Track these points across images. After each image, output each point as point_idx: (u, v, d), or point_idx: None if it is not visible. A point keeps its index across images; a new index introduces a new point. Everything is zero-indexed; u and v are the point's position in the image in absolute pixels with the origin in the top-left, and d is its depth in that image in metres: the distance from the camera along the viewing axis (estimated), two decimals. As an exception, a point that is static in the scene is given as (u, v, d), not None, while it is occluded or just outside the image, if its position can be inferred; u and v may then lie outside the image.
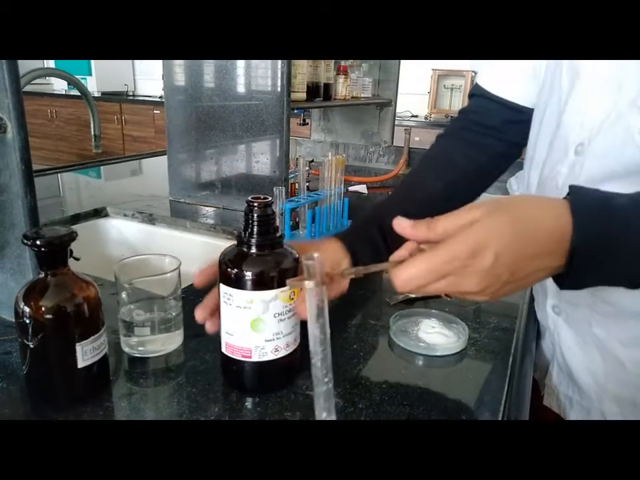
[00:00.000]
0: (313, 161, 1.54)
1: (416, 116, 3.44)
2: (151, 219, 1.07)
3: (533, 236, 0.38)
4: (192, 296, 0.69)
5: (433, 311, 0.66)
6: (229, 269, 0.47)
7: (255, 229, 0.47)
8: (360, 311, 0.68)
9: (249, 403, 0.48)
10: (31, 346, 0.44)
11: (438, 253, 0.37)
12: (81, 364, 0.45)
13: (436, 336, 0.61)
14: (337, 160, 0.90)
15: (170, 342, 0.55)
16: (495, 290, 0.39)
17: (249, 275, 0.46)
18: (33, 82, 0.82)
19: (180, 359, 0.55)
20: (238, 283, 0.46)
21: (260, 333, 0.47)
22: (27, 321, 0.43)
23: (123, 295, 0.53)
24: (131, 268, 0.55)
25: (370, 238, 0.58)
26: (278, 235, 0.48)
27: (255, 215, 0.47)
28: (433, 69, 3.34)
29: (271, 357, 0.48)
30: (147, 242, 1.05)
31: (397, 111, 1.75)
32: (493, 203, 0.39)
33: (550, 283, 0.61)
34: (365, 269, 0.42)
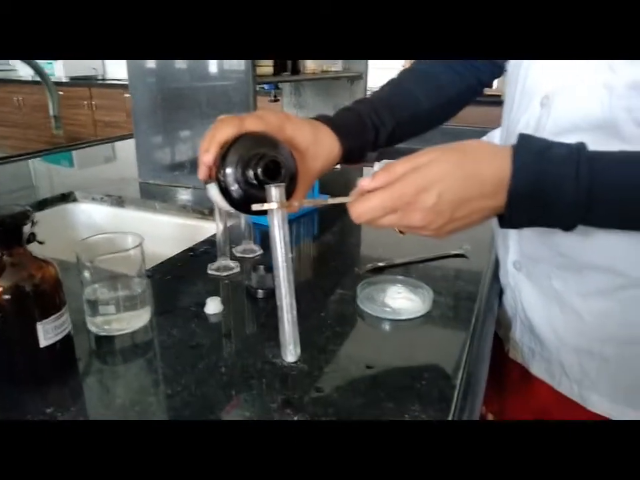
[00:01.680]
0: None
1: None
2: (119, 202, 1.05)
3: (475, 179, 0.42)
4: (159, 274, 0.69)
5: (399, 277, 0.67)
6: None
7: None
8: (330, 282, 0.69)
9: (216, 372, 0.49)
10: (-10, 327, 0.43)
11: (389, 190, 0.42)
12: (42, 343, 0.45)
13: (401, 301, 0.62)
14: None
15: (136, 320, 0.56)
16: (439, 226, 0.43)
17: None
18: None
19: (147, 335, 0.56)
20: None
21: None
22: (-16, 302, 0.43)
23: (86, 273, 0.53)
24: (93, 247, 0.55)
25: (364, 141, 0.60)
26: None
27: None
28: (406, 42, 3.31)
29: None
30: (116, 225, 1.04)
31: (372, 84, 1.74)
32: (444, 147, 0.44)
33: (512, 240, 0.63)
34: (324, 201, 0.47)
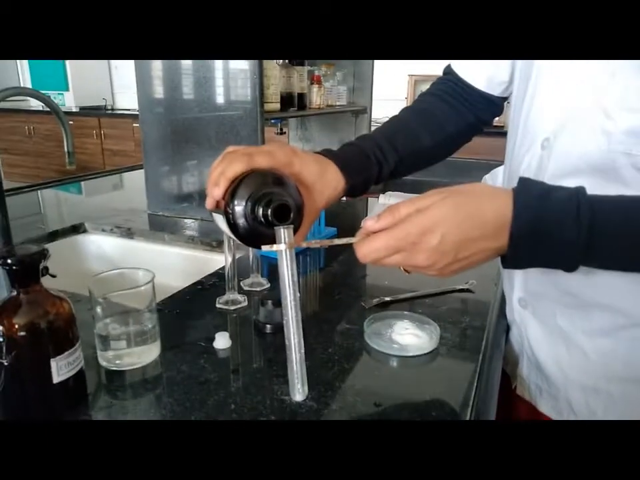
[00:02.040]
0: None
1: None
2: (129, 233, 1.07)
3: (477, 220, 0.43)
4: (168, 309, 0.70)
5: (406, 312, 0.67)
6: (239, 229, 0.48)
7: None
8: (336, 315, 0.70)
9: (225, 409, 0.49)
10: (5, 364, 0.44)
11: (394, 231, 0.44)
12: (56, 379, 0.46)
13: (409, 337, 0.62)
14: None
15: (146, 354, 0.56)
16: (443, 266, 0.45)
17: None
18: (8, 99, 0.83)
19: (157, 370, 0.56)
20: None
21: None
22: (0, 339, 0.44)
23: (98, 309, 0.54)
24: (105, 282, 0.56)
25: (367, 177, 0.61)
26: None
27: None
28: (409, 75, 3.38)
29: None
30: (125, 256, 1.06)
31: (376, 117, 1.77)
32: (447, 190, 0.45)
33: (517, 277, 0.63)
34: (330, 241, 0.48)
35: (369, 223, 0.45)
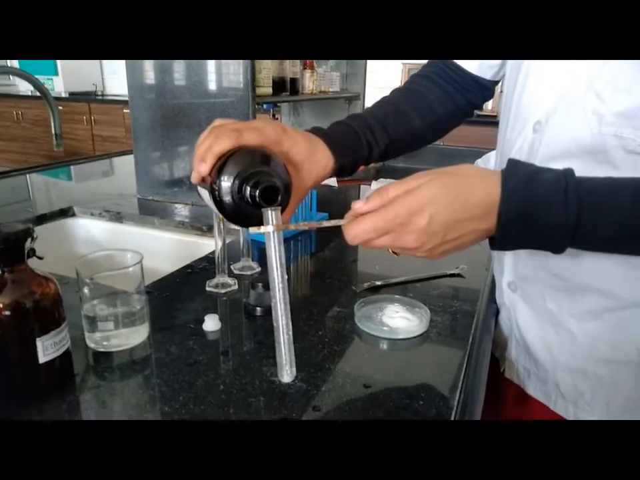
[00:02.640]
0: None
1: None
2: (118, 217, 1.06)
3: (465, 202, 0.43)
4: (157, 291, 0.70)
5: (397, 296, 0.67)
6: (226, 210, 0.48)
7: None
8: (327, 299, 0.70)
9: (214, 390, 0.49)
10: (-10, 343, 0.44)
11: (382, 213, 0.43)
12: (42, 359, 0.45)
13: (399, 320, 0.62)
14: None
15: (134, 336, 0.56)
16: (431, 247, 0.44)
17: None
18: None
19: (145, 352, 0.56)
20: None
21: None
22: (-15, 318, 0.43)
23: (85, 290, 0.53)
24: (93, 264, 0.55)
25: (356, 157, 0.60)
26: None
27: None
28: (403, 63, 3.36)
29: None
30: (114, 240, 1.04)
31: (369, 104, 1.76)
32: (436, 171, 0.45)
33: (507, 261, 0.64)
34: (319, 223, 0.48)
35: (357, 205, 0.45)
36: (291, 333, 0.45)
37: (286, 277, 0.45)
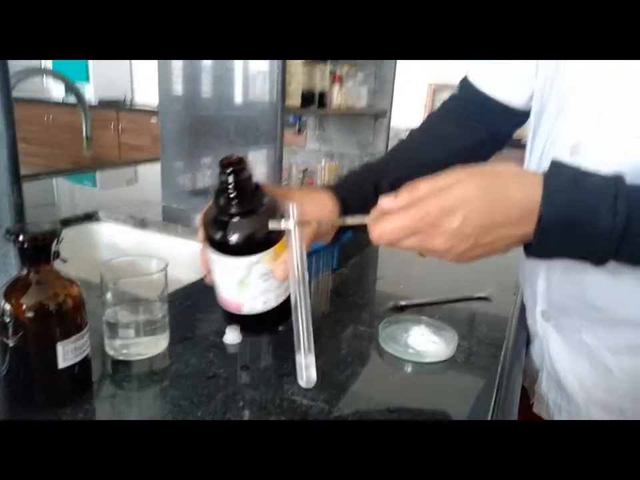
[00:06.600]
0: (307, 169, 1.55)
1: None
2: (142, 224, 1.06)
3: (502, 204, 0.40)
4: (179, 300, 0.68)
5: (423, 317, 0.65)
6: (211, 236, 0.47)
7: (232, 196, 0.45)
8: (350, 317, 0.68)
9: (234, 406, 0.47)
10: (11, 345, 0.43)
11: (412, 211, 0.40)
12: (61, 364, 0.44)
13: (425, 343, 0.60)
14: (330, 167, 0.90)
15: (154, 345, 0.54)
16: (462, 251, 0.41)
17: (232, 240, 0.45)
18: (29, 90, 0.82)
19: (164, 362, 0.54)
20: (220, 248, 0.46)
21: (247, 290, 0.47)
22: (7, 319, 0.42)
23: (108, 295, 0.53)
24: (117, 269, 0.54)
25: (363, 195, 0.58)
26: (255, 198, 0.46)
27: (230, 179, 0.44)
28: (429, 84, 3.37)
29: (260, 308, 0.48)
30: (138, 246, 1.04)
31: (395, 124, 1.76)
32: (472, 169, 0.42)
33: (539, 288, 0.61)
34: (342, 220, 0.46)
35: (385, 201, 0.42)
36: (312, 336, 0.44)
37: (307, 276, 0.44)
